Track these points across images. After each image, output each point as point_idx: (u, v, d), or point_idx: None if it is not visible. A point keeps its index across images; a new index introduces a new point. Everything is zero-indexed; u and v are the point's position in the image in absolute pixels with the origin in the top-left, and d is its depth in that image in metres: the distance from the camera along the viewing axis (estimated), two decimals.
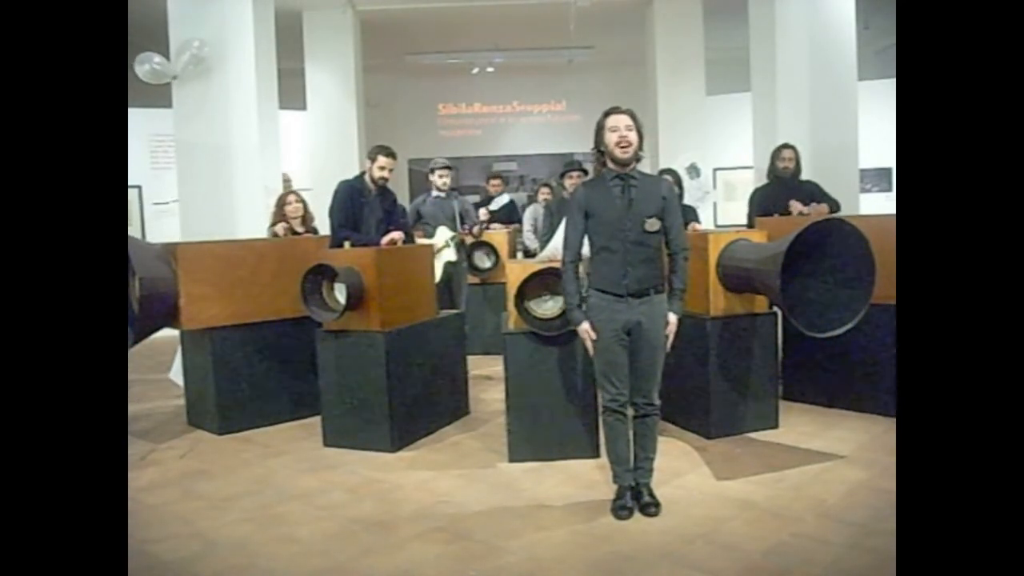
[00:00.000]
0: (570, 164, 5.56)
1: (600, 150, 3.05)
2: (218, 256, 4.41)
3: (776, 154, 5.17)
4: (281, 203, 5.41)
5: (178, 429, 4.61)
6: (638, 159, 3.04)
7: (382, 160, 4.67)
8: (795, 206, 4.87)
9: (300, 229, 5.24)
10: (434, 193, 5.80)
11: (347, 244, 4.27)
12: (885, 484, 3.20)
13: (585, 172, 5.66)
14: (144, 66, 6.27)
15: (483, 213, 6.09)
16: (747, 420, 4.01)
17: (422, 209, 5.82)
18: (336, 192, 4.78)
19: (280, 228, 5.22)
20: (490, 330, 6.45)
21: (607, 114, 3.04)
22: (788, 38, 6.56)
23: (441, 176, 5.74)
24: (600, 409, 3.13)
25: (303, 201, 5.42)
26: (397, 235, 4.51)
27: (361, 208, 4.73)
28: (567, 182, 5.35)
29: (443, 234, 5.76)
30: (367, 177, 4.75)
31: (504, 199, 6.65)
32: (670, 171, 5.52)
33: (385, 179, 4.70)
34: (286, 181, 7.32)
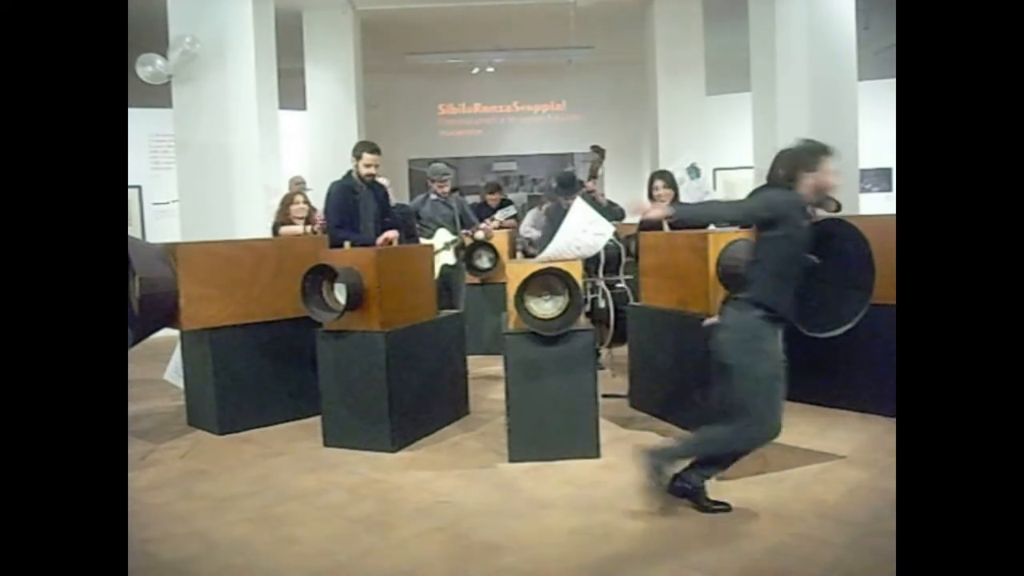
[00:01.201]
0: (570, 182, 5.53)
1: (792, 178, 2.91)
2: (218, 256, 4.41)
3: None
4: (287, 202, 5.42)
5: (178, 429, 4.61)
6: None
7: (367, 157, 4.71)
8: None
9: (307, 230, 5.25)
10: (432, 196, 5.83)
11: (347, 244, 4.27)
12: (885, 484, 3.20)
13: (584, 188, 5.67)
14: (147, 68, 6.28)
15: (495, 223, 6.13)
16: None
17: (421, 210, 5.85)
18: (329, 194, 4.81)
19: (300, 228, 5.23)
20: (490, 330, 6.45)
21: (823, 154, 2.92)
22: (788, 38, 6.56)
23: (440, 186, 5.78)
24: (747, 439, 2.94)
25: (308, 202, 5.44)
26: (392, 234, 4.52)
27: (356, 205, 4.75)
28: (564, 201, 5.33)
29: (443, 236, 5.77)
30: (355, 175, 4.77)
31: (510, 211, 6.69)
32: (665, 173, 5.52)
33: (372, 175, 4.74)
34: (300, 183, 7.30)
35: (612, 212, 5.68)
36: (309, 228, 5.24)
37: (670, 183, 5.31)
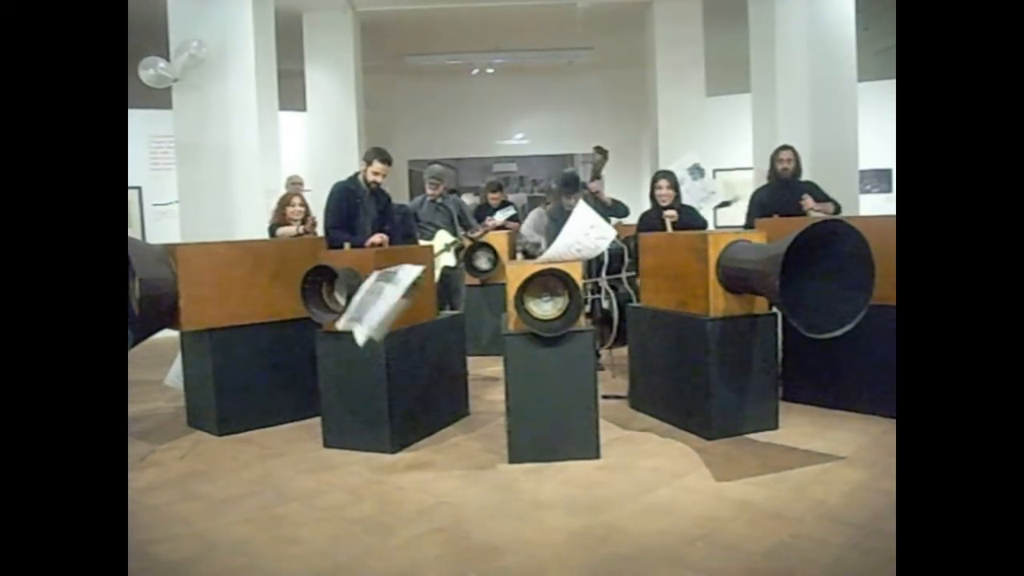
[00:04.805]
0: (572, 181, 5.53)
1: None
2: (218, 257, 4.41)
3: (775, 156, 5.22)
4: (284, 203, 5.43)
5: (178, 430, 4.61)
6: None
7: (377, 166, 4.70)
8: (808, 202, 4.89)
9: (300, 230, 5.26)
10: (428, 198, 5.84)
11: (347, 246, 4.28)
12: (885, 485, 3.20)
13: (587, 188, 5.67)
14: (148, 71, 6.28)
15: (496, 220, 6.14)
16: (747, 421, 4.00)
17: (419, 212, 5.85)
18: (331, 193, 4.80)
19: (294, 229, 5.24)
20: (490, 331, 6.45)
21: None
22: (788, 39, 6.57)
23: (434, 187, 5.79)
24: None
25: (306, 205, 5.45)
26: (379, 238, 4.50)
27: (356, 209, 4.75)
28: (566, 200, 5.34)
29: (442, 238, 5.78)
30: (360, 178, 4.77)
31: (509, 211, 6.69)
32: (669, 173, 5.52)
33: (378, 183, 4.74)
34: (297, 182, 7.31)
35: (617, 210, 5.68)
36: (302, 228, 5.25)
37: (674, 183, 5.33)
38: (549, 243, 4.51)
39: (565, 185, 5.48)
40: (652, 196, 5.37)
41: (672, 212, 5.01)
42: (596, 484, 3.39)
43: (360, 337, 3.25)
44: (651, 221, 5.25)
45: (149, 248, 4.68)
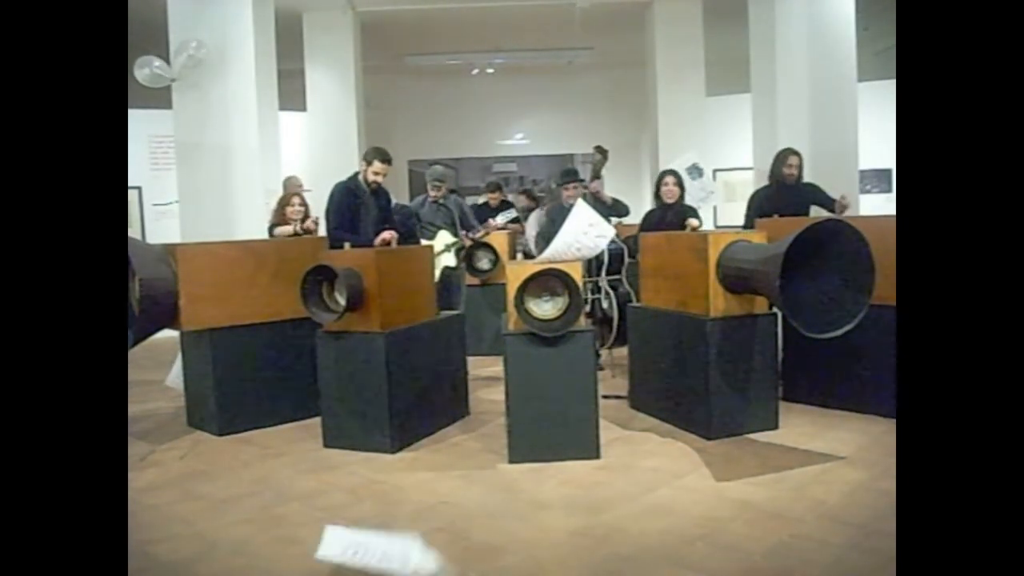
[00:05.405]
0: (568, 174, 5.56)
1: None
2: (218, 257, 4.41)
3: (782, 159, 5.14)
4: (283, 203, 5.43)
5: (178, 430, 4.61)
6: None
7: (377, 166, 4.70)
8: (844, 200, 4.87)
9: (299, 230, 5.26)
10: (431, 198, 5.84)
11: (347, 246, 4.28)
12: (885, 485, 3.20)
13: (583, 182, 5.67)
14: (144, 70, 6.27)
15: (496, 223, 6.15)
16: (747, 421, 4.00)
17: (420, 212, 5.85)
18: (332, 194, 4.81)
19: (291, 228, 5.25)
20: (490, 331, 6.45)
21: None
22: (788, 39, 6.56)
23: (437, 188, 5.79)
24: None
25: (306, 204, 5.45)
26: (388, 235, 4.52)
27: (357, 209, 4.75)
28: (564, 193, 5.36)
29: (444, 238, 5.78)
30: (361, 178, 4.77)
31: (511, 214, 6.70)
32: (674, 171, 5.54)
33: (378, 183, 4.74)
34: (298, 185, 7.30)
35: (617, 209, 5.69)
36: (300, 227, 5.25)
37: (679, 181, 5.36)
38: (548, 242, 4.51)
39: (562, 176, 5.52)
40: (657, 194, 5.39)
41: (694, 221, 4.99)
42: (596, 484, 3.39)
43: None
44: (654, 221, 5.27)
45: (149, 248, 4.69)
